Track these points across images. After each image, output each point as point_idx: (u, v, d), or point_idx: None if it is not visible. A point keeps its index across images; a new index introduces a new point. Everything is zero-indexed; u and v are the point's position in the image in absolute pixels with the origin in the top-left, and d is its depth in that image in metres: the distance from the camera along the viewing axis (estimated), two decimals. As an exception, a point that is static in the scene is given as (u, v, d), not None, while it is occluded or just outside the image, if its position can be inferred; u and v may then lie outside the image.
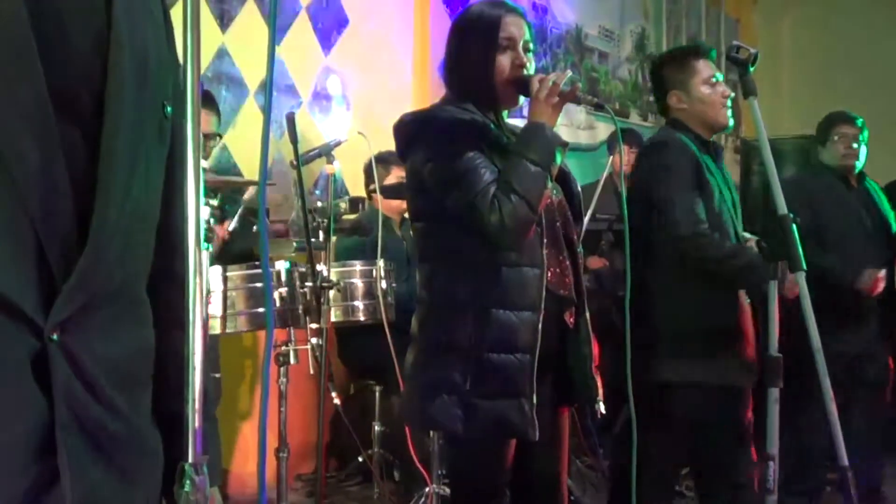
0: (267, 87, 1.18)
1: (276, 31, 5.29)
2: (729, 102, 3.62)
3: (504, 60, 2.72)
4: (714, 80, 3.62)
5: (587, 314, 2.82)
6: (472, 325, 2.62)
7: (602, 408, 2.79)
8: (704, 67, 3.64)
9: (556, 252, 2.73)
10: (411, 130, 2.77)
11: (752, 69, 2.57)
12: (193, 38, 1.17)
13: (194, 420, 1.10)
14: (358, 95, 5.78)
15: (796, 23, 9.20)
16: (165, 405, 1.43)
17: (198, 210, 1.13)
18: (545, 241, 2.67)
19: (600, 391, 2.79)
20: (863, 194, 4.94)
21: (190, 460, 1.12)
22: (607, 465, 4.76)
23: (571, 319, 2.80)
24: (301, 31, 5.47)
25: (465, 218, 2.61)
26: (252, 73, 5.19)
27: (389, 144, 4.46)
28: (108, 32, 1.31)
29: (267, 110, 1.16)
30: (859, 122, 4.91)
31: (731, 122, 3.67)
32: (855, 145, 4.86)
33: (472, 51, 2.76)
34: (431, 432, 4.00)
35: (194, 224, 1.12)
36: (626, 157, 6.37)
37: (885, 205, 5.02)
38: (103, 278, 1.28)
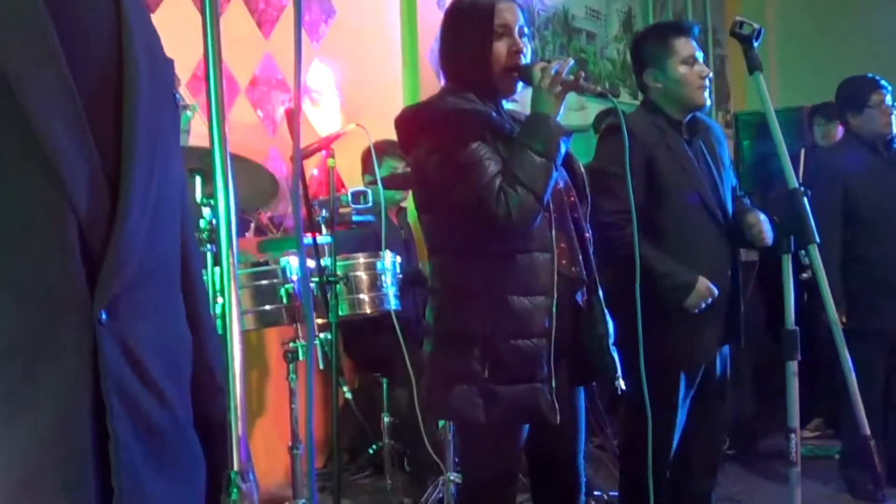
0: (294, 89, 1.18)
1: (264, 25, 5.29)
2: (707, 82, 3.56)
3: (500, 48, 2.71)
4: (693, 59, 3.55)
5: (600, 292, 2.81)
6: (487, 313, 2.63)
7: (622, 384, 2.77)
8: (684, 46, 3.57)
9: (565, 234, 2.73)
10: (414, 123, 2.76)
11: (757, 44, 2.56)
12: (213, 31, 1.15)
13: (237, 427, 1.09)
14: (349, 87, 5.76)
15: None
16: (198, 407, 1.42)
17: (229, 219, 1.12)
18: (554, 224, 2.67)
19: (619, 368, 2.78)
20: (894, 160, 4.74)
21: (235, 468, 1.11)
22: (617, 444, 4.75)
23: (584, 299, 2.80)
24: (289, 25, 5.43)
25: (472, 210, 2.60)
26: (240, 70, 5.19)
27: (382, 136, 4.48)
28: (118, 23, 1.31)
29: (297, 113, 1.15)
30: (889, 86, 4.70)
31: (708, 102, 3.61)
32: (892, 111, 4.65)
33: (467, 40, 2.74)
34: (442, 420, 3.99)
35: (225, 231, 1.10)
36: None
37: None
38: (137, 259, 1.28)
